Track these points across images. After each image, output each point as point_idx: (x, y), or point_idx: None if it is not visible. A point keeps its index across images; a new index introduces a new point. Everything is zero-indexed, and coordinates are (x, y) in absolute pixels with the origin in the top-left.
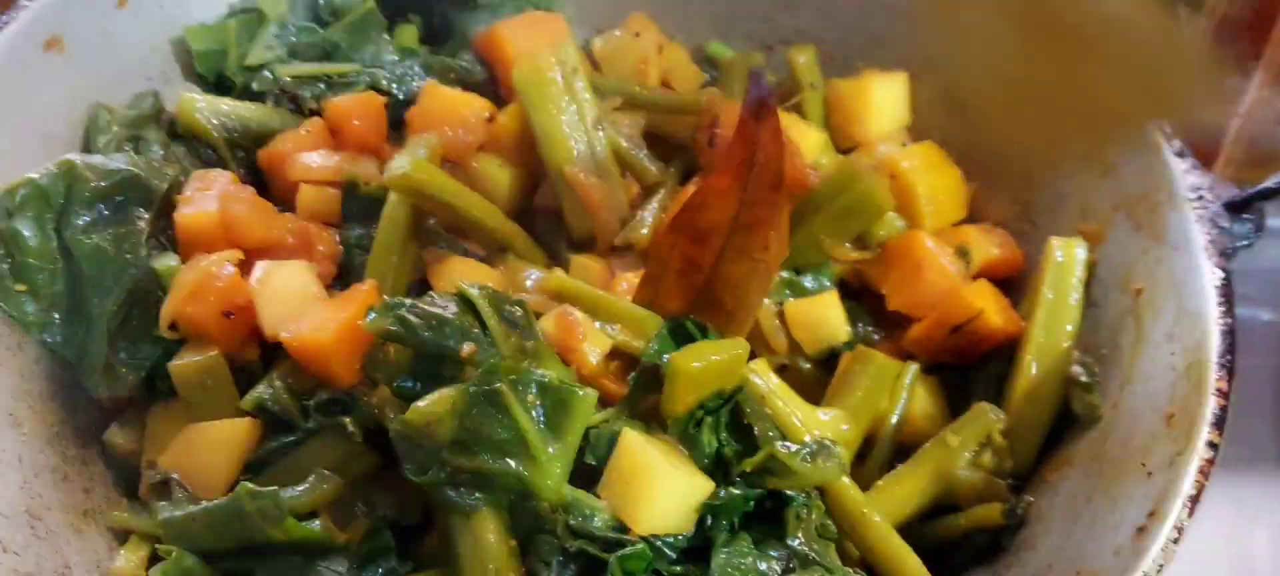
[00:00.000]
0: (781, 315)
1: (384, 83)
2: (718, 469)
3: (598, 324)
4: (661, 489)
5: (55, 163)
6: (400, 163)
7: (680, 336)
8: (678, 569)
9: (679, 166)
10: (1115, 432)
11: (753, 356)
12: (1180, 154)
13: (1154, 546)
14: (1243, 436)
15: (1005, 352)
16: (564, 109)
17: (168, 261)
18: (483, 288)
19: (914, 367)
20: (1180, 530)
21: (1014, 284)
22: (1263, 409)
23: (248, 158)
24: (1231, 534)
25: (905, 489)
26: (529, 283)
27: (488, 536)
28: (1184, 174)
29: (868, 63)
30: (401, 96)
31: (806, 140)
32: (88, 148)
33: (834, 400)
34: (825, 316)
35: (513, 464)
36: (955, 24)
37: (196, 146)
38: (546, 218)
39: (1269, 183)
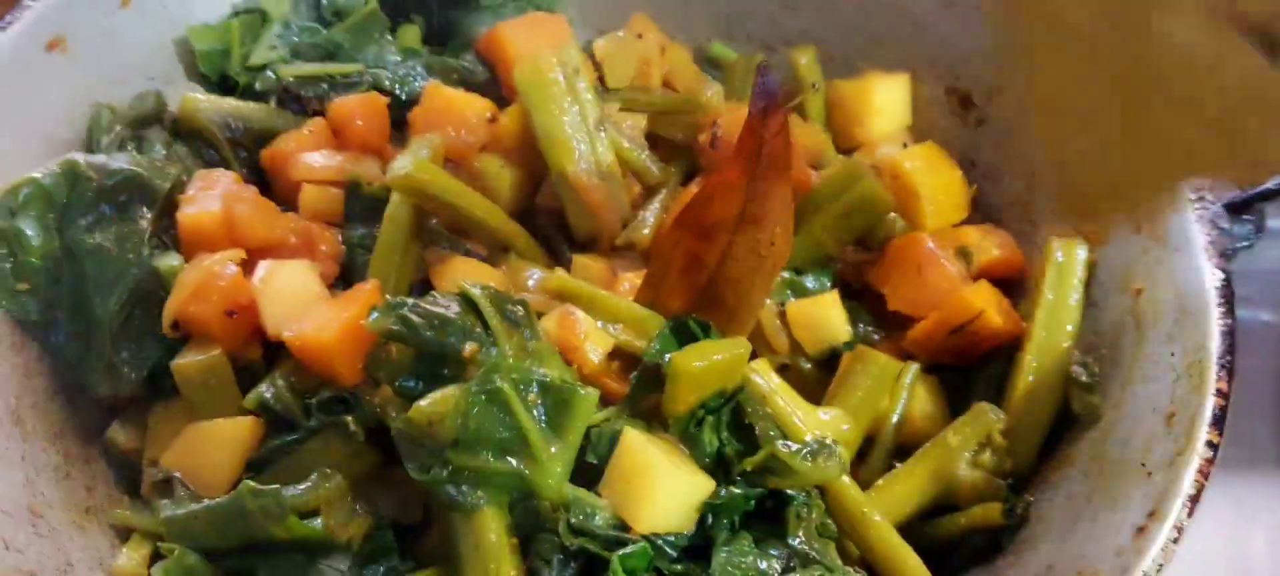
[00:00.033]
0: (783, 315)
1: (386, 83)
2: (719, 468)
3: (599, 323)
4: (662, 488)
5: (58, 162)
6: (403, 163)
7: (682, 336)
8: (678, 567)
9: (680, 167)
10: (1115, 432)
11: (754, 356)
12: None
13: (1154, 546)
14: (1242, 437)
15: (1006, 353)
16: (566, 109)
17: (170, 261)
18: (485, 287)
19: (914, 368)
20: (1180, 530)
21: (1014, 284)
22: (1262, 410)
23: (250, 158)
24: (1230, 534)
25: (905, 488)
26: (531, 282)
27: (489, 535)
28: None
29: (869, 63)
30: (404, 97)
31: (808, 140)
32: (90, 147)
33: (834, 400)
34: (826, 316)
35: (514, 462)
36: (1032, 52)
37: (199, 146)
38: (548, 218)
39: (1269, 184)
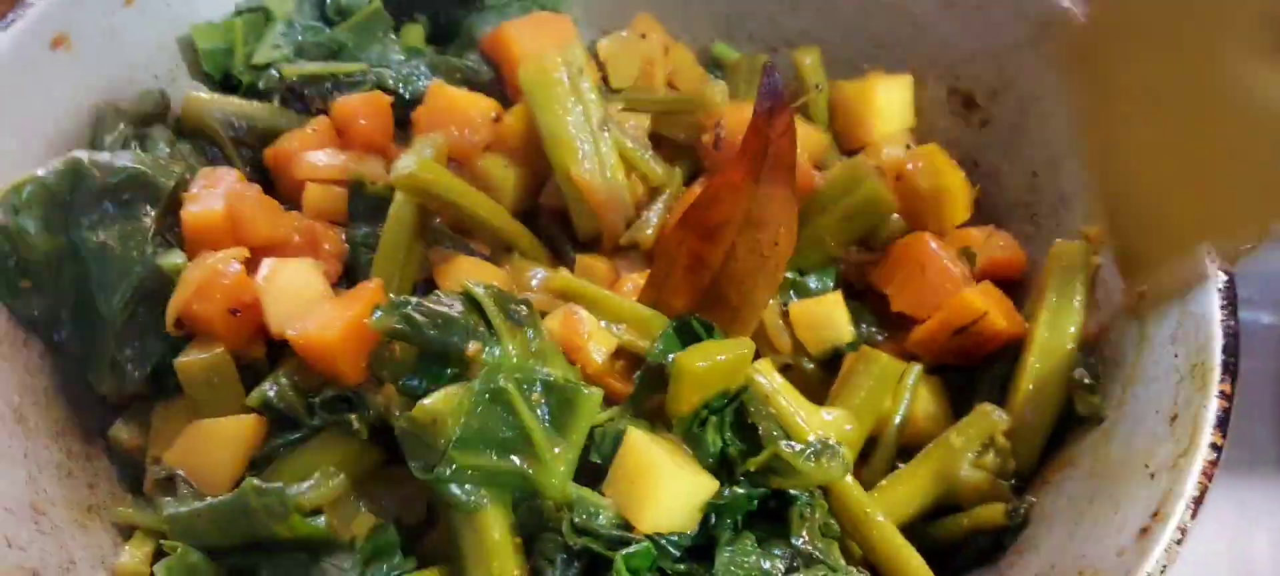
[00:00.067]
0: (785, 315)
1: (390, 82)
2: (722, 468)
3: (603, 323)
4: (666, 487)
5: (61, 160)
6: (406, 162)
7: (686, 336)
8: (682, 567)
9: (684, 167)
10: (1118, 434)
11: (757, 356)
12: None
13: (1157, 547)
14: (1242, 439)
15: (1009, 354)
16: (570, 109)
17: (174, 259)
18: (488, 286)
19: (917, 368)
20: (1184, 531)
21: (1017, 285)
22: (1263, 411)
23: (254, 156)
24: (1231, 536)
25: (908, 489)
26: (534, 282)
27: (492, 533)
28: None
29: (870, 64)
30: (407, 96)
31: (811, 142)
32: (94, 145)
33: (837, 400)
34: (830, 317)
35: (518, 462)
36: (1113, 88)
37: (202, 144)
38: (552, 217)
39: None
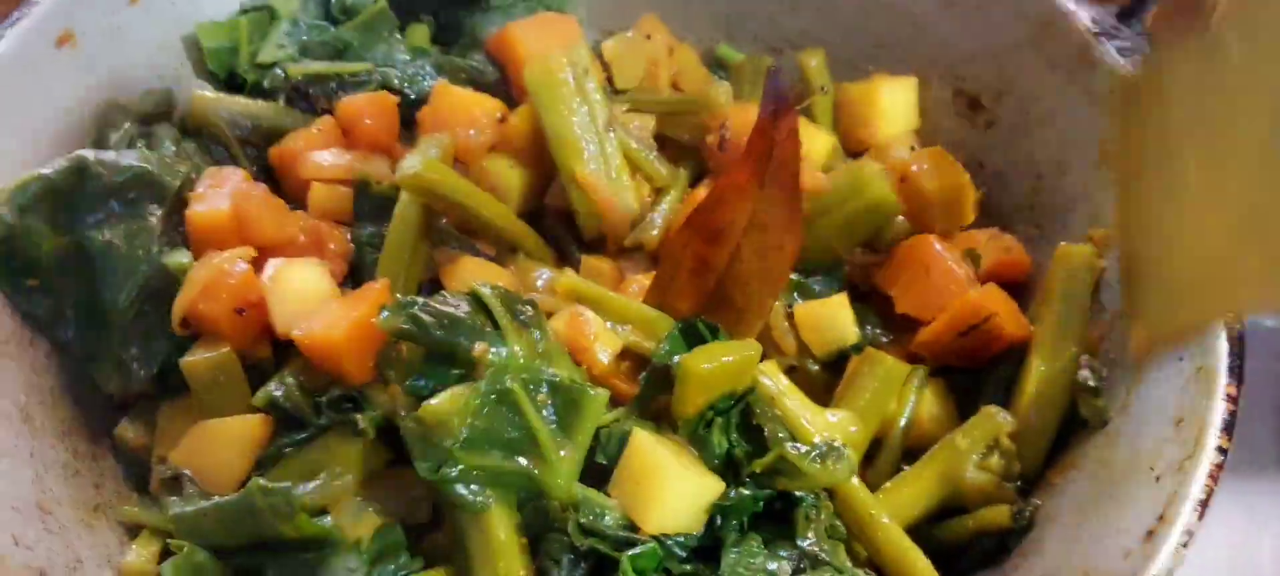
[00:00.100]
0: (790, 317)
1: (395, 82)
2: (727, 469)
3: (608, 324)
4: (672, 489)
5: (67, 158)
6: (412, 162)
7: (691, 337)
8: (688, 568)
9: (689, 168)
10: (1123, 437)
11: (762, 358)
12: None
13: (1164, 550)
14: (1244, 440)
15: (1013, 356)
16: (575, 110)
17: (180, 258)
18: (495, 287)
19: (922, 370)
20: (1190, 534)
21: (1022, 288)
22: (1264, 413)
23: (259, 155)
24: (1235, 539)
25: (913, 491)
26: (540, 283)
27: (498, 534)
28: None
29: (872, 65)
30: (413, 96)
31: (816, 144)
32: (99, 144)
33: (842, 402)
34: (835, 318)
35: (524, 462)
36: (1158, 147)
37: (208, 144)
38: (557, 218)
39: None
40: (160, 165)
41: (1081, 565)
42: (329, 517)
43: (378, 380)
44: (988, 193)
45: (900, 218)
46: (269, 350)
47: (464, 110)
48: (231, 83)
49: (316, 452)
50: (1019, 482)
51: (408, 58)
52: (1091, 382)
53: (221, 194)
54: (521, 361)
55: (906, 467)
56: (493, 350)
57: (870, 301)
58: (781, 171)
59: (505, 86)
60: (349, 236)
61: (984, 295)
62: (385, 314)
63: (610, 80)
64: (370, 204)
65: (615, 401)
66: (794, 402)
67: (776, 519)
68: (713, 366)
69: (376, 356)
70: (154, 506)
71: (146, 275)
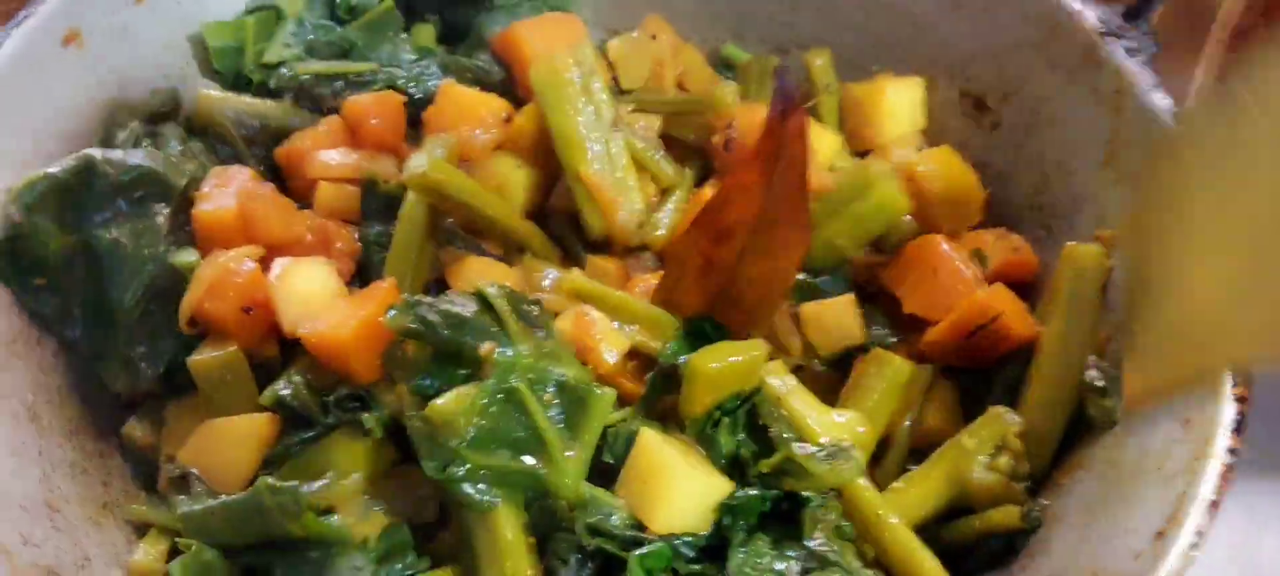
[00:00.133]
0: (796, 317)
1: (401, 82)
2: (735, 469)
3: (615, 324)
4: (679, 488)
5: (74, 157)
6: (418, 162)
7: (698, 337)
8: (696, 568)
9: (695, 168)
10: (1131, 437)
11: (770, 358)
12: None
13: (1174, 551)
14: (1247, 441)
15: (1021, 356)
16: (581, 110)
17: (187, 257)
18: (501, 287)
19: (929, 370)
20: (1201, 535)
21: (1029, 288)
22: (1265, 414)
23: (265, 155)
24: (1238, 540)
25: (921, 491)
26: (546, 282)
27: (505, 533)
28: None
29: (875, 65)
30: (418, 95)
31: (822, 144)
32: (106, 143)
33: (850, 402)
34: (841, 318)
35: (530, 461)
36: (1181, 206)
37: (214, 143)
38: (563, 218)
39: None
40: (167, 164)
41: (1090, 566)
42: (336, 516)
43: (385, 379)
44: (994, 193)
45: (907, 217)
46: (276, 349)
47: (470, 110)
48: (237, 82)
49: (324, 451)
50: (1027, 483)
51: (413, 57)
52: (1099, 383)
53: (228, 193)
54: (528, 361)
55: (913, 468)
56: (499, 350)
57: (877, 301)
58: (790, 171)
59: (511, 86)
60: (356, 235)
61: (991, 295)
62: (393, 313)
63: (616, 80)
64: (377, 203)
65: (622, 401)
66: (801, 403)
67: (784, 519)
68: (720, 366)
69: (383, 356)
70: (162, 505)
71: (153, 274)
